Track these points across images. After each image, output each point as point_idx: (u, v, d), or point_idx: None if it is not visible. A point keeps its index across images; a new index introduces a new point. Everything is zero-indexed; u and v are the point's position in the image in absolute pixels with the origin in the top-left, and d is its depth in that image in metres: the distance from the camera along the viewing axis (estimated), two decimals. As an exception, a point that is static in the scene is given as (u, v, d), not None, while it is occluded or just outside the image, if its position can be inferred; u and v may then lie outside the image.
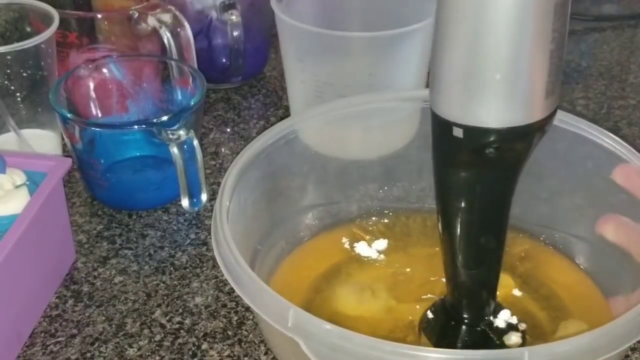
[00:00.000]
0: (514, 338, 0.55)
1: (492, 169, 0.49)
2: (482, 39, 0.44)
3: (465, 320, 0.55)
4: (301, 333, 0.45)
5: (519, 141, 0.47)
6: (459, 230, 0.51)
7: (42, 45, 0.71)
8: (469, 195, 0.50)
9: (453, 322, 0.55)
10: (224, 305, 0.62)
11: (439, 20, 0.45)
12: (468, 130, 0.46)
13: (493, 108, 0.45)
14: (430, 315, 0.57)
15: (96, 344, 0.59)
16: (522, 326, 0.56)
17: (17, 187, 0.60)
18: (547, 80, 0.45)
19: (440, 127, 0.48)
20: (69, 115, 0.67)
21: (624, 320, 0.46)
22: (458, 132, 0.47)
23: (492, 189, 0.50)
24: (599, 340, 0.45)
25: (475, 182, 0.49)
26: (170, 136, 0.65)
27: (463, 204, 0.50)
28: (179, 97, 0.74)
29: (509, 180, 0.50)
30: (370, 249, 0.64)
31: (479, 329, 0.55)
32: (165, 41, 0.76)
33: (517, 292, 0.60)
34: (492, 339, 0.55)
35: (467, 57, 0.45)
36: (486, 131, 0.46)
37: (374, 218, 0.66)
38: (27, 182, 0.61)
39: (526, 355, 0.43)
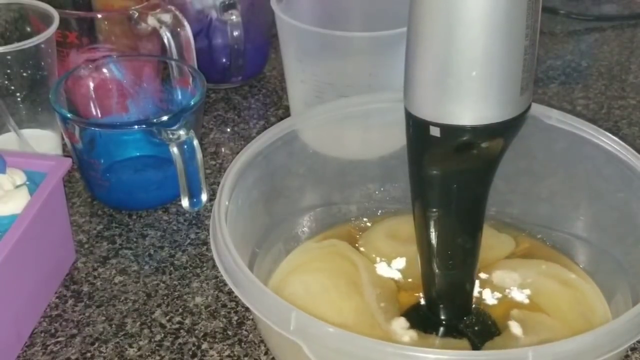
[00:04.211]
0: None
1: (470, 166, 0.49)
2: (456, 38, 0.44)
3: (443, 322, 0.56)
4: (303, 336, 0.45)
5: (497, 138, 0.48)
6: (436, 230, 0.52)
7: (42, 45, 0.71)
8: (446, 193, 0.50)
9: (431, 323, 0.56)
10: (224, 305, 0.62)
11: (412, 20, 0.46)
12: (445, 129, 0.46)
13: (470, 106, 0.46)
14: (408, 316, 0.57)
15: (96, 344, 0.59)
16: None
17: (17, 187, 0.60)
18: (521, 77, 0.45)
19: (417, 126, 0.48)
20: (69, 115, 0.67)
21: (625, 319, 0.46)
22: (435, 131, 0.47)
23: (469, 186, 0.50)
24: (601, 339, 0.45)
25: (452, 180, 0.50)
26: (170, 136, 0.65)
27: (440, 203, 0.51)
28: (179, 97, 0.74)
29: (486, 177, 0.50)
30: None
31: (457, 329, 0.56)
32: (165, 41, 0.76)
33: (515, 292, 0.60)
34: (470, 338, 0.55)
35: (442, 56, 0.45)
36: (464, 129, 0.46)
37: (372, 218, 0.66)
38: (27, 182, 0.61)
39: (530, 356, 0.43)
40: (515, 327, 0.56)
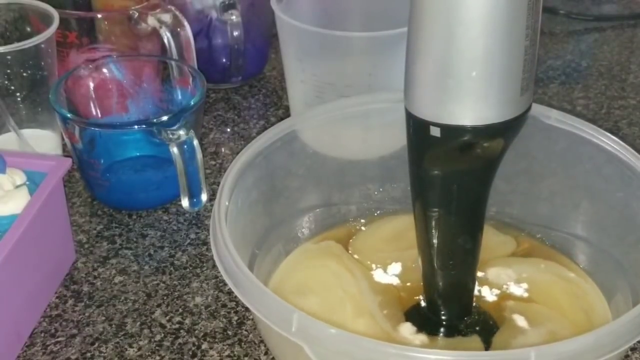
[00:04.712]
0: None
1: (470, 167, 0.49)
2: (456, 38, 0.44)
3: (444, 322, 0.56)
4: (305, 338, 0.45)
5: (497, 138, 0.48)
6: (436, 230, 0.52)
7: (42, 45, 0.71)
8: (447, 193, 0.50)
9: (431, 324, 0.56)
10: (224, 305, 0.62)
11: (413, 20, 0.46)
12: (445, 129, 0.46)
13: (470, 106, 0.46)
14: (408, 318, 0.57)
15: (96, 344, 0.59)
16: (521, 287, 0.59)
17: (17, 187, 0.60)
18: (522, 77, 0.45)
19: (417, 127, 0.48)
20: (69, 115, 0.67)
21: (626, 319, 0.46)
22: (435, 132, 0.47)
23: (470, 186, 0.50)
24: (603, 339, 0.45)
25: (452, 180, 0.50)
26: (170, 136, 0.65)
27: (440, 203, 0.51)
28: (179, 97, 0.74)
29: (486, 177, 0.50)
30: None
31: (457, 329, 0.56)
32: (165, 41, 0.76)
33: (513, 287, 0.60)
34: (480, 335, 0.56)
35: (442, 56, 0.45)
36: (464, 129, 0.46)
37: (372, 219, 0.66)
38: (27, 182, 0.61)
39: (533, 356, 0.43)
40: (519, 320, 0.57)
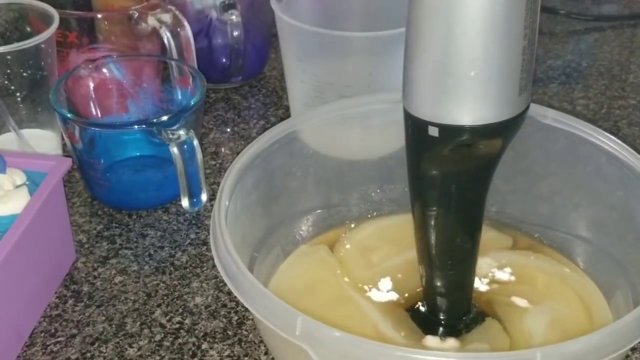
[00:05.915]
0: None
1: (469, 166, 0.49)
2: (455, 38, 0.44)
3: (442, 322, 0.56)
4: (310, 341, 0.45)
5: (496, 138, 0.48)
6: (434, 230, 0.52)
7: (42, 45, 0.71)
8: (445, 193, 0.51)
9: (430, 324, 0.56)
10: (224, 305, 0.62)
11: (411, 20, 0.46)
12: (444, 129, 0.47)
13: (468, 106, 0.46)
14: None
15: (96, 344, 0.59)
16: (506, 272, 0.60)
17: (17, 187, 0.60)
18: (520, 77, 0.45)
19: (415, 126, 0.48)
20: (69, 115, 0.67)
21: (629, 319, 0.46)
22: (433, 131, 0.47)
23: (468, 186, 0.50)
24: (606, 339, 0.45)
25: (451, 180, 0.50)
26: (170, 136, 0.65)
27: (439, 203, 0.51)
28: (179, 97, 0.74)
29: (485, 177, 0.50)
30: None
31: (457, 329, 0.56)
32: (165, 41, 0.76)
33: (498, 273, 0.61)
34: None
35: (440, 56, 0.45)
36: (462, 129, 0.46)
37: (371, 220, 0.66)
38: (27, 182, 0.61)
39: (538, 356, 0.43)
40: (520, 302, 0.58)
